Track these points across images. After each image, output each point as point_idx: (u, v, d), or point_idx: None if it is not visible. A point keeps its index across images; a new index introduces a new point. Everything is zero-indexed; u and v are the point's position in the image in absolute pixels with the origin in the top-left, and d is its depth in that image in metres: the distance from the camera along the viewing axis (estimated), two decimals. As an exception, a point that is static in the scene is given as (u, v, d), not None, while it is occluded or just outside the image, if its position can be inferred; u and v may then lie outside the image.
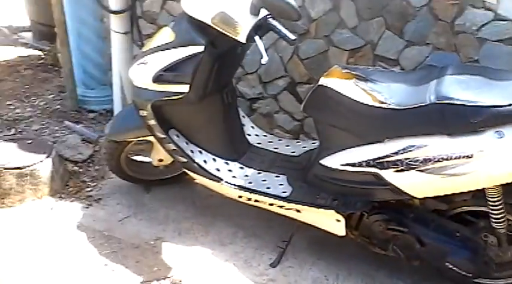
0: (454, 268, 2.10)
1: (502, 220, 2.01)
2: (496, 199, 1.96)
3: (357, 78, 2.10)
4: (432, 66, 2.12)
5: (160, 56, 2.24)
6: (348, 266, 2.47)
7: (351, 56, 2.81)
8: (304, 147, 2.62)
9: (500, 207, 1.97)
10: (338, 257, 2.51)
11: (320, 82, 2.16)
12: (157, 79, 2.25)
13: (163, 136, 2.39)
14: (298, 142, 2.73)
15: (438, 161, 1.86)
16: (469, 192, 1.96)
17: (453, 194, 1.98)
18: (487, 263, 2.08)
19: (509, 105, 1.75)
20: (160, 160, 2.75)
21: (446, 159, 1.84)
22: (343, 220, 2.21)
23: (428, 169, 1.89)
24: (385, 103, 1.95)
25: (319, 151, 2.30)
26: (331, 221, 2.25)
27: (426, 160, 1.89)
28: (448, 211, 2.18)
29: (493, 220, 2.02)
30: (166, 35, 2.27)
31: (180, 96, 2.26)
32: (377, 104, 1.97)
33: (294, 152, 2.61)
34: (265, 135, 2.76)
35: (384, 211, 2.18)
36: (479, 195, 2.00)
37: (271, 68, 3.05)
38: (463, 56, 2.56)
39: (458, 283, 2.23)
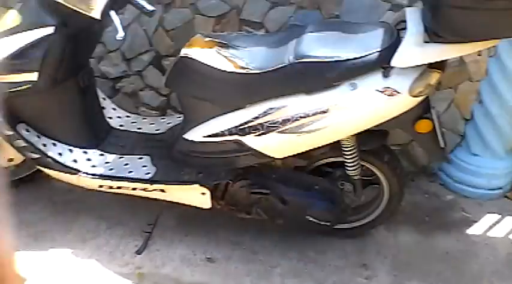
0: (314, 220, 2.25)
1: (356, 167, 2.20)
2: (350, 148, 2.14)
3: (219, 46, 2.10)
4: (295, 26, 2.19)
5: (4, 43, 2.03)
6: (216, 237, 2.51)
7: (217, 23, 2.77)
8: (169, 123, 2.57)
9: (354, 155, 2.16)
10: (206, 230, 2.55)
11: (181, 54, 2.13)
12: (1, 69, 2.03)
13: (10, 132, 2.18)
14: (163, 118, 2.67)
15: (296, 120, 1.95)
16: (327, 144, 2.09)
17: (313, 149, 2.11)
18: (344, 210, 2.27)
19: (362, 57, 1.88)
20: (11, 160, 2.51)
21: (304, 117, 1.94)
22: (208, 193, 2.24)
23: (287, 129, 1.97)
24: (246, 68, 1.99)
25: (183, 125, 2.28)
26: (197, 196, 2.27)
27: (285, 121, 1.97)
28: (308, 167, 2.32)
29: (348, 168, 2.21)
30: (11, 18, 2.06)
31: (28, 86, 2.08)
32: (238, 70, 2.00)
33: (158, 130, 2.55)
34: (128, 116, 2.65)
35: (247, 176, 2.25)
36: (336, 146, 2.15)
37: (135, 43, 2.90)
38: (325, 13, 2.65)
39: (319, 232, 2.42)
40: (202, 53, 2.09)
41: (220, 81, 2.05)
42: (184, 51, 2.12)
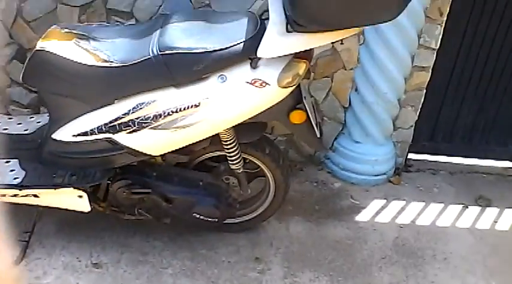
0: (201, 217, 2.17)
1: (238, 160, 2.15)
2: (229, 142, 2.08)
3: (78, 38, 1.96)
4: (163, 15, 2.08)
5: None
6: (102, 240, 2.36)
7: (83, 12, 2.56)
8: (39, 122, 2.35)
9: (234, 149, 2.10)
10: (90, 234, 2.38)
11: (37, 47, 1.94)
12: None
13: None
14: (32, 117, 2.42)
15: (168, 115, 1.87)
16: (207, 139, 2.03)
17: (192, 144, 2.02)
18: (231, 204, 2.22)
19: (228, 47, 1.82)
20: None
21: (176, 112, 1.86)
22: (85, 195, 2.08)
23: (160, 124, 1.88)
24: (109, 61, 1.86)
25: (50, 124, 2.09)
26: (74, 199, 2.10)
27: (156, 116, 1.88)
28: (190, 162, 2.23)
29: (230, 162, 2.15)
30: None
31: None
32: (100, 64, 1.87)
33: (26, 130, 2.31)
34: None
35: (126, 176, 2.12)
36: (216, 140, 2.08)
37: (-7, 37, 2.59)
38: (196, 1, 2.55)
39: (210, 228, 2.34)
40: (59, 45, 1.93)
41: (82, 76, 1.90)
42: (40, 44, 1.94)
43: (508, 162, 3.14)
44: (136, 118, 1.89)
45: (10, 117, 2.44)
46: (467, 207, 2.79)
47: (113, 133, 1.94)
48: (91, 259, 2.27)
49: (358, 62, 2.72)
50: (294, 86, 1.88)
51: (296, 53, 1.82)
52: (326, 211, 2.66)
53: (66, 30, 1.99)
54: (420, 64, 2.75)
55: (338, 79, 2.79)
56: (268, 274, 2.27)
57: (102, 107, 1.94)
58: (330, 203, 2.73)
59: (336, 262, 2.36)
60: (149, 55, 1.83)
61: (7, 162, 2.16)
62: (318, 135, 2.07)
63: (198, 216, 2.18)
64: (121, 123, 1.91)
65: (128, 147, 1.96)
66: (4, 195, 2.09)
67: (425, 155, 3.11)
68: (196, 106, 1.85)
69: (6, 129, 2.33)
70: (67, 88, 1.96)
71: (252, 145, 2.17)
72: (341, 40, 1.83)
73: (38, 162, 2.13)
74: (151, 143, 1.95)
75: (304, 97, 2.00)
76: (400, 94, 2.76)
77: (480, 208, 2.80)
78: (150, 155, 2.00)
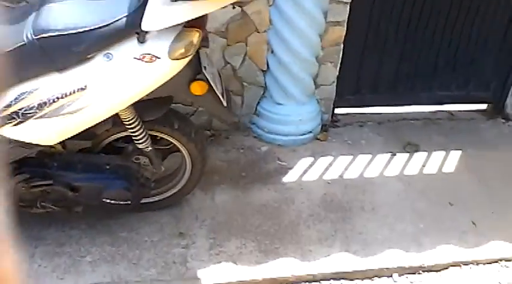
0: (112, 201, 2.05)
1: (144, 139, 2.03)
2: (130, 121, 1.95)
3: None
4: None
5: None
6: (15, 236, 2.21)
7: None
8: None
9: (137, 127, 1.98)
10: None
11: None
12: None
13: None
14: None
15: (53, 102, 1.74)
16: (108, 120, 1.90)
17: (93, 128, 1.90)
18: (144, 184, 2.10)
19: (111, 23, 1.70)
20: None
21: (61, 98, 1.74)
22: None
23: (46, 113, 1.75)
24: None
25: None
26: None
27: (41, 105, 1.75)
28: (95, 146, 2.10)
29: (136, 142, 2.03)
30: None
31: None
32: None
33: None
34: None
35: (24, 169, 1.98)
36: (119, 121, 1.96)
37: None
38: None
39: (126, 211, 2.23)
40: None
41: None
42: None
43: (434, 106, 3.12)
44: (20, 110, 1.75)
45: None
46: (395, 155, 2.76)
47: None
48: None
49: (271, 23, 2.62)
50: (189, 57, 1.77)
51: (186, 22, 1.70)
52: (252, 176, 2.58)
53: None
54: (334, 19, 2.67)
55: (252, 43, 2.69)
56: (193, 248, 2.18)
57: None
58: (257, 168, 2.65)
59: (263, 226, 2.29)
60: (23, 41, 1.69)
61: None
62: (225, 104, 1.97)
63: (109, 201, 2.06)
64: (4, 117, 1.77)
65: (16, 140, 1.82)
66: None
67: (352, 108, 3.05)
68: (82, 89, 1.72)
69: None
70: None
71: (159, 122, 2.05)
72: (233, 4, 1.72)
73: None
74: (41, 133, 1.81)
75: (205, 67, 1.89)
76: (316, 52, 2.68)
77: (408, 154, 2.77)
78: (43, 145, 1.87)
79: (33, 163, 2.00)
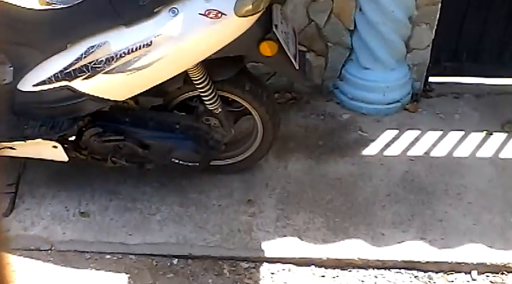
0: (181, 162, 2.03)
1: (214, 100, 1.96)
2: (199, 81, 1.89)
3: None
4: None
5: None
6: (92, 188, 2.28)
7: None
8: None
9: (206, 88, 1.92)
10: (81, 182, 2.30)
11: None
12: None
13: None
14: (11, 66, 2.33)
15: (121, 57, 1.73)
16: (179, 78, 1.86)
17: (164, 85, 1.86)
18: (213, 147, 2.06)
19: None
20: None
21: (128, 53, 1.72)
22: (60, 146, 1.98)
23: (114, 68, 1.75)
24: (51, 3, 1.70)
25: (14, 74, 1.99)
26: (49, 150, 2.02)
27: (109, 59, 1.74)
28: (167, 104, 2.08)
29: (206, 102, 1.97)
30: None
31: None
32: (44, 6, 1.71)
33: (4, 80, 2.23)
34: None
35: (97, 123, 2.00)
36: (189, 79, 1.90)
37: None
38: None
39: (191, 172, 2.21)
40: None
41: (30, 22, 1.78)
42: None
43: (545, 80, 2.77)
44: (90, 63, 1.77)
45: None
46: (491, 134, 2.50)
47: (69, 80, 1.82)
48: (79, 207, 2.21)
49: (361, -22, 2.41)
50: (258, 14, 1.65)
51: None
52: (330, 146, 2.46)
53: None
54: (432, -27, 2.40)
55: (339, -1, 2.50)
56: (260, 217, 2.13)
57: (56, 53, 1.81)
58: (336, 137, 2.51)
59: (335, 201, 2.19)
60: None
61: (-18, 115, 2.09)
62: (296, 67, 1.84)
63: (177, 161, 2.04)
64: (75, 69, 1.79)
65: (87, 94, 1.83)
66: (-19, 148, 2.03)
67: (448, 77, 2.79)
68: (148, 45, 1.69)
69: (-17, 80, 2.24)
70: (16, 36, 1.84)
71: (230, 82, 1.98)
72: None
73: (12, 113, 2.05)
74: (110, 88, 1.82)
75: (276, 25, 1.76)
76: (410, 11, 2.44)
77: (506, 134, 2.50)
78: (114, 100, 1.87)
79: (106, 117, 2.01)
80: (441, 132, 2.51)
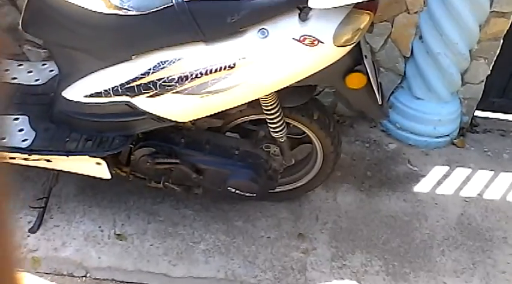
0: (236, 191, 1.86)
1: (281, 128, 1.81)
2: (271, 107, 1.73)
3: None
4: None
5: None
6: (127, 206, 2.10)
7: None
8: (52, 71, 2.02)
9: (276, 114, 1.76)
10: (114, 197, 2.13)
11: None
12: None
13: None
14: (44, 64, 2.08)
15: (196, 77, 1.53)
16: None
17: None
18: (271, 177, 1.90)
19: None
20: None
21: (206, 74, 1.52)
22: (104, 163, 1.79)
23: (187, 89, 1.55)
24: (123, 8, 1.50)
25: (59, 79, 1.79)
26: (91, 166, 1.82)
27: (182, 78, 1.54)
28: (224, 127, 1.91)
29: (272, 130, 1.82)
30: None
31: None
32: (112, 11, 1.50)
33: (38, 80, 2.01)
34: None
35: (150, 142, 1.81)
36: (255, 102, 1.73)
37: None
38: None
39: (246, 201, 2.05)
40: None
41: (91, 25, 1.56)
42: None
43: None
44: (158, 80, 1.56)
45: (20, 63, 2.10)
46: (543, 178, 2.42)
47: (131, 96, 1.62)
48: (114, 228, 2.03)
49: (425, 4, 2.29)
50: (354, 43, 1.50)
51: (358, 1, 1.42)
52: (379, 178, 2.33)
53: None
54: (500, 9, 2.29)
55: (399, 24, 2.37)
56: (313, 255, 1.99)
57: (117, 64, 1.61)
58: (384, 169, 2.39)
59: (391, 242, 2.06)
60: (171, 2, 1.47)
61: (16, 119, 1.87)
62: (380, 101, 1.70)
63: (233, 190, 1.87)
64: (140, 85, 1.58)
65: (149, 113, 1.64)
66: (14, 158, 1.82)
67: (495, 113, 2.70)
68: (230, 67, 1.50)
69: (15, 78, 2.02)
70: (74, 40, 1.62)
71: (298, 110, 1.82)
72: None
73: (50, 121, 1.84)
74: (177, 109, 1.62)
75: (365, 56, 1.62)
76: (472, 44, 2.33)
77: (558, 179, 2.42)
78: (176, 121, 1.68)
79: (160, 136, 1.83)
80: (492, 173, 2.41)
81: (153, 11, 1.49)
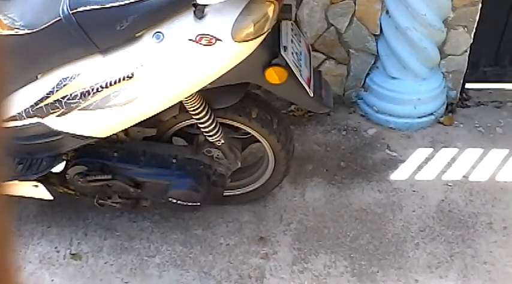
0: (179, 202, 1.75)
1: (214, 131, 1.68)
2: (196, 111, 1.60)
3: None
4: None
5: None
6: (85, 223, 2.03)
7: None
8: None
9: (205, 118, 1.63)
10: (73, 215, 2.06)
11: None
12: None
13: None
14: None
15: (98, 91, 1.43)
16: (174, 106, 1.58)
17: (157, 115, 1.58)
18: (216, 183, 1.77)
19: None
20: None
21: (106, 87, 1.42)
22: (40, 185, 1.73)
23: (91, 104, 1.46)
24: (14, 28, 1.42)
25: None
26: (30, 189, 1.76)
27: (84, 94, 1.45)
28: (162, 135, 1.80)
29: (206, 133, 1.69)
30: None
31: None
32: (6, 31, 1.43)
33: None
34: None
35: (82, 160, 1.73)
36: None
37: None
38: None
39: (192, 211, 1.93)
40: None
41: None
42: None
43: None
44: (63, 98, 1.48)
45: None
46: (541, 151, 2.17)
47: (42, 117, 1.54)
48: (70, 248, 1.96)
49: (386, -24, 2.09)
50: (262, 37, 1.35)
51: None
52: (353, 168, 2.16)
53: None
54: (471, -31, 2.07)
55: (362, 1, 2.19)
56: (274, 260, 1.85)
57: (26, 85, 1.54)
58: (360, 157, 2.21)
59: (360, 239, 1.89)
60: (59, 15, 1.37)
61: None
62: (311, 94, 1.54)
63: (175, 201, 1.76)
64: (47, 104, 1.51)
65: (63, 132, 1.56)
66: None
67: (488, 84, 2.45)
68: (129, 77, 1.40)
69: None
70: None
71: (234, 109, 1.68)
72: None
73: None
74: (90, 125, 1.53)
75: (285, 47, 1.47)
76: (445, 14, 2.12)
77: (559, 152, 2.17)
78: (96, 137, 1.59)
79: (91, 152, 1.74)
80: (482, 150, 2.18)
81: (42, 28, 1.41)
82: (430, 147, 2.22)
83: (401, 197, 2.02)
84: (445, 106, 2.35)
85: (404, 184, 2.07)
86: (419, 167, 2.14)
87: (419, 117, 2.29)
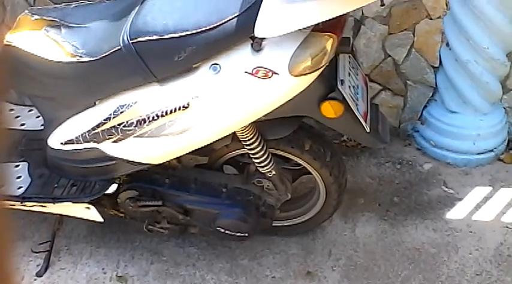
0: (227, 232, 1.73)
1: (266, 162, 1.65)
2: (249, 142, 1.59)
3: (49, 25, 1.58)
4: None
5: None
6: (132, 246, 2.04)
7: None
8: None
9: (258, 149, 1.61)
10: (122, 237, 2.07)
11: (5, 41, 1.59)
12: None
13: None
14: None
15: (153, 120, 1.45)
16: (227, 135, 1.57)
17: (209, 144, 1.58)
18: (265, 214, 1.75)
19: (218, 25, 1.32)
20: None
21: (162, 116, 1.44)
22: (92, 207, 1.75)
23: (146, 132, 1.47)
24: (76, 55, 1.45)
25: (44, 127, 1.78)
26: (83, 210, 1.79)
27: (140, 122, 1.47)
28: (213, 163, 1.79)
29: (257, 164, 1.67)
30: None
31: None
32: (68, 59, 1.47)
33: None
34: (12, 109, 2.13)
35: (134, 185, 1.74)
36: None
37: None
38: None
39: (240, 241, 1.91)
40: (27, 37, 1.57)
41: (52, 74, 1.54)
42: (8, 37, 1.58)
43: None
44: (119, 125, 1.51)
45: (31, 108, 2.14)
46: None
47: (97, 142, 1.57)
48: (117, 270, 1.97)
49: (447, 8, 2.02)
50: (319, 71, 1.33)
51: (315, 25, 1.26)
52: (407, 204, 2.08)
53: (36, 16, 1.60)
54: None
55: (422, 32, 2.14)
56: (320, 296, 1.80)
57: (84, 110, 1.58)
58: (415, 193, 2.13)
59: (412, 280, 1.81)
60: (119, 45, 1.40)
61: (17, 165, 1.89)
62: (367, 129, 1.50)
63: (223, 230, 1.74)
64: (104, 130, 1.54)
65: (117, 158, 1.58)
66: (14, 205, 1.84)
67: (553, 121, 2.33)
68: (185, 107, 1.40)
69: (23, 124, 2.05)
70: (42, 90, 1.63)
71: (287, 141, 1.67)
72: (381, 0, 1.24)
73: (45, 167, 1.84)
74: (144, 152, 1.55)
75: (342, 80, 1.44)
76: (509, 47, 2.04)
77: None
78: (149, 164, 1.60)
79: (143, 178, 1.76)
80: (545, 192, 2.07)
81: (102, 56, 1.44)
82: (489, 186, 2.12)
83: (457, 238, 1.93)
84: (506, 143, 2.25)
85: (460, 224, 1.98)
86: (477, 206, 2.04)
87: (478, 154, 2.19)
